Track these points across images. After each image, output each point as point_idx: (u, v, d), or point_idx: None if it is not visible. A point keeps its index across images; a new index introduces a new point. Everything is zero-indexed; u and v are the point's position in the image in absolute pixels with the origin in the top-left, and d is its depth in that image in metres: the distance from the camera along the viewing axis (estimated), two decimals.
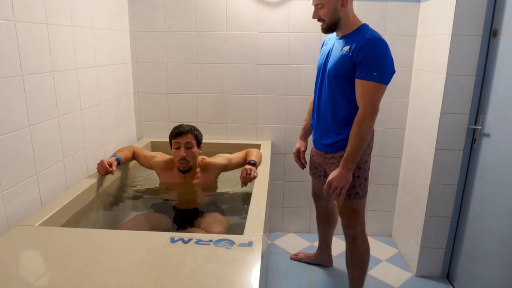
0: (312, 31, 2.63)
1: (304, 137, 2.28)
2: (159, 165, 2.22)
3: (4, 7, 1.48)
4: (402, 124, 2.76)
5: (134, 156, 2.32)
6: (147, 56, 2.77)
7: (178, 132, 2.09)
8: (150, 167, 2.25)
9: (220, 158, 2.25)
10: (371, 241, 2.91)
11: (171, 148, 2.12)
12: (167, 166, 2.21)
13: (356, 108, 1.80)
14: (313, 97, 2.12)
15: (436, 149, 2.27)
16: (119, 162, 2.14)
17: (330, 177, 1.84)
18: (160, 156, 2.27)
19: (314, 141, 2.09)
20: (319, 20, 1.85)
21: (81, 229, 1.51)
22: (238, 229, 1.77)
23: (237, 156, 2.29)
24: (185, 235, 1.40)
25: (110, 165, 2.04)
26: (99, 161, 2.08)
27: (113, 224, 2.02)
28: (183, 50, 2.74)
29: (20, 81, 1.58)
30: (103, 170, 2.02)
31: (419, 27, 2.57)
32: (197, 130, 2.16)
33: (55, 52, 1.82)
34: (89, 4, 2.13)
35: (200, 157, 2.20)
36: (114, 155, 2.17)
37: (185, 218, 2.06)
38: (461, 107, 2.19)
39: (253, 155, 2.23)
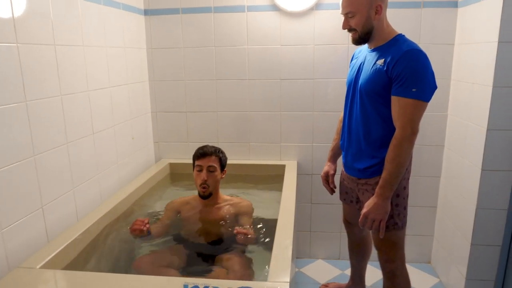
0: (339, 43, 2.45)
1: (333, 159, 2.07)
2: (180, 202, 2.08)
3: (5, 29, 1.37)
4: (440, 140, 2.52)
5: (163, 224, 2.01)
6: (165, 74, 2.65)
7: (201, 154, 1.96)
8: (176, 207, 2.08)
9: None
10: (408, 268, 2.66)
11: (193, 170, 1.98)
12: (187, 199, 2.08)
13: (392, 129, 1.60)
14: (342, 115, 1.93)
15: (482, 169, 2.02)
16: (149, 233, 1.86)
17: (365, 209, 1.63)
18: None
19: (345, 165, 1.89)
20: (350, 30, 1.66)
21: (84, 272, 1.37)
22: (263, 264, 1.60)
23: (247, 223, 1.99)
24: (200, 281, 1.23)
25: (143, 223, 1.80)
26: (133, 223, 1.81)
27: (127, 258, 1.87)
28: (202, 66, 2.61)
29: (23, 108, 1.46)
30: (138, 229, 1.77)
31: (457, 34, 2.34)
32: (221, 152, 2.02)
33: (64, 74, 1.70)
34: (102, 23, 2.03)
35: (237, 199, 2.07)
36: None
37: (205, 252, 1.89)
38: (511, 122, 1.94)
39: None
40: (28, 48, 1.48)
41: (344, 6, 1.63)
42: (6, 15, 1.38)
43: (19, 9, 1.44)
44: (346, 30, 1.68)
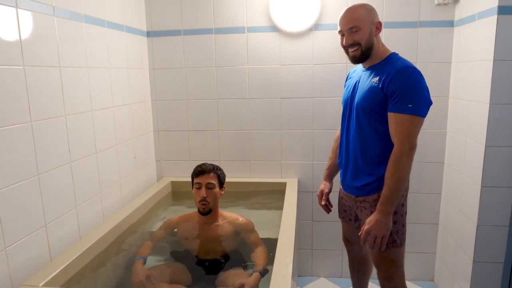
0: (338, 62, 2.49)
1: (329, 177, 2.08)
2: (177, 220, 2.09)
3: (13, 52, 1.42)
4: (440, 157, 2.54)
5: (155, 239, 2.03)
6: (167, 93, 2.70)
7: (199, 171, 1.97)
8: (173, 225, 2.09)
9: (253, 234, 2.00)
10: (411, 286, 2.65)
11: (192, 188, 1.99)
12: (186, 217, 2.08)
13: (389, 146, 1.62)
14: (338, 134, 1.95)
15: (482, 186, 2.03)
16: (145, 262, 1.84)
17: (367, 226, 1.64)
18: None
19: (343, 183, 1.91)
20: (353, 45, 1.66)
21: None
22: (264, 282, 1.61)
23: (255, 238, 1.99)
24: None
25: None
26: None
27: (129, 275, 1.87)
28: (203, 86, 2.65)
29: (28, 128, 1.49)
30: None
31: (454, 53, 2.39)
32: (220, 169, 2.03)
33: (68, 95, 1.75)
34: (106, 45, 2.08)
35: (236, 216, 2.06)
36: (138, 257, 1.83)
37: (205, 269, 1.90)
38: (509, 139, 1.96)
39: (263, 258, 1.83)
40: (34, 70, 1.52)
41: (349, 21, 1.65)
42: (14, 38, 1.43)
43: (26, 32, 1.49)
44: (347, 47, 1.68)
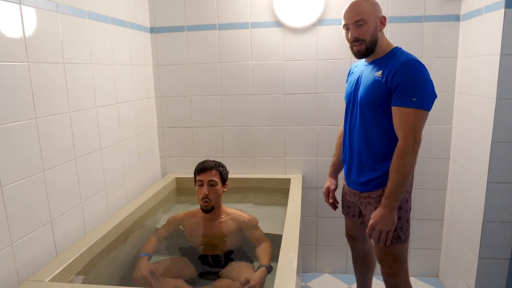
0: (342, 57, 2.48)
1: (334, 174, 2.07)
2: (182, 216, 2.09)
3: (17, 49, 1.42)
4: (445, 153, 2.52)
5: (160, 236, 2.03)
6: (171, 90, 2.70)
7: (201, 168, 1.96)
8: (178, 222, 2.09)
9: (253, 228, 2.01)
10: (416, 282, 2.64)
11: (195, 185, 1.99)
12: (190, 214, 2.09)
13: (394, 140, 1.61)
14: (341, 130, 1.94)
15: (488, 182, 2.02)
16: (150, 258, 1.84)
17: (372, 220, 1.63)
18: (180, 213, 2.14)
19: (347, 179, 1.90)
20: (357, 40, 1.64)
21: (91, 285, 1.38)
22: (268, 277, 1.61)
23: (258, 234, 1.99)
24: None
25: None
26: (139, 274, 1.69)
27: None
28: (207, 82, 2.65)
29: (33, 124, 1.50)
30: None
31: (460, 47, 2.37)
32: (222, 166, 2.02)
33: (72, 91, 1.75)
34: (110, 41, 2.08)
35: (239, 212, 2.05)
36: (143, 254, 1.82)
37: (210, 264, 1.90)
38: None
39: (267, 254, 1.82)
40: (38, 67, 1.53)
41: (354, 14, 1.62)
42: (18, 35, 1.43)
43: (30, 29, 1.49)
44: (351, 41, 1.66)
